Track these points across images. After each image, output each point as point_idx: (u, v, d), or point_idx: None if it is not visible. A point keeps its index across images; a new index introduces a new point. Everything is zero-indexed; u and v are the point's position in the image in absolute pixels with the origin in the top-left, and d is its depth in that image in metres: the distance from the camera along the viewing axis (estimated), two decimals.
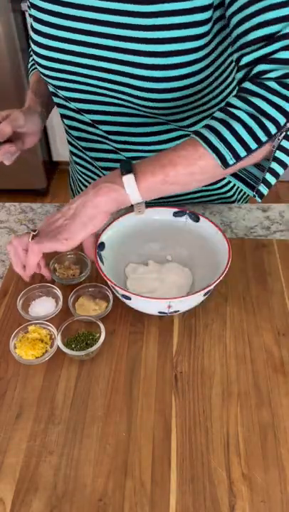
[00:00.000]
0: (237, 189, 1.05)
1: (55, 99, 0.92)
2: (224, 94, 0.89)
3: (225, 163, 0.68)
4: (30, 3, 0.82)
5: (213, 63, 0.78)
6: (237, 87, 0.77)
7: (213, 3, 0.71)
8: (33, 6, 0.82)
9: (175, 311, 0.74)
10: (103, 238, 0.79)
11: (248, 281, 0.83)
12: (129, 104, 0.82)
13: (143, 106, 0.81)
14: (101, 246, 0.78)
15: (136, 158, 0.90)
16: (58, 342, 0.72)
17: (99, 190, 0.69)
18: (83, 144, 0.95)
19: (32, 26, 0.83)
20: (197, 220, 0.82)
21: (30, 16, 0.83)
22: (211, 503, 0.58)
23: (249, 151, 0.67)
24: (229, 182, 1.01)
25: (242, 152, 0.67)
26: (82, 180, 1.06)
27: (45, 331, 0.75)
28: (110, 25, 0.75)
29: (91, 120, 0.89)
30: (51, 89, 0.90)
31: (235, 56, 0.72)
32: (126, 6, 0.72)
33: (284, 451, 0.62)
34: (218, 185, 1.00)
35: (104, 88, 0.82)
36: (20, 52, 2.20)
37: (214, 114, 0.70)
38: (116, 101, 0.83)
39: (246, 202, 1.11)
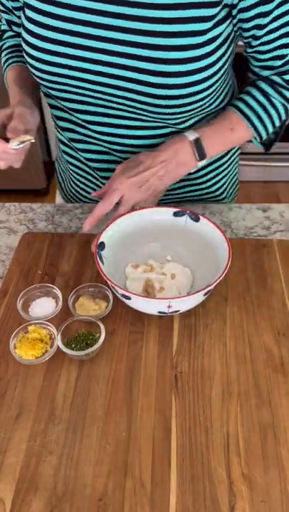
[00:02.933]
0: (226, 187, 1.06)
1: (48, 100, 0.91)
2: (220, 99, 0.91)
3: (260, 138, 0.90)
4: (26, 3, 0.79)
5: (213, 76, 0.79)
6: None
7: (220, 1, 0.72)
8: (30, 7, 0.79)
9: (175, 311, 0.74)
10: (103, 238, 0.79)
11: (248, 281, 0.83)
12: (130, 107, 0.82)
13: (147, 104, 0.80)
14: (101, 246, 0.78)
15: (128, 157, 0.89)
16: (58, 342, 0.72)
17: (182, 167, 0.84)
18: (77, 145, 0.94)
19: (27, 28, 0.80)
20: (197, 220, 0.82)
21: (26, 17, 0.80)
22: (211, 503, 0.58)
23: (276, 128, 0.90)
24: (218, 181, 1.02)
25: (270, 130, 0.89)
26: (76, 181, 1.04)
27: (45, 331, 0.75)
28: (115, 16, 0.73)
29: (85, 121, 0.88)
30: (43, 89, 0.89)
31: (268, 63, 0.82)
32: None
33: (284, 451, 0.62)
34: (208, 183, 1.01)
35: (102, 92, 0.81)
36: None
37: (255, 95, 0.86)
38: (113, 105, 0.82)
39: (233, 198, 1.12)
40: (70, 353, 0.71)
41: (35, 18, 0.78)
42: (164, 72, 0.75)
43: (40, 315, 0.78)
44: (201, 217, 0.82)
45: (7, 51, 0.98)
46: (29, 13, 0.79)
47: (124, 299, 0.75)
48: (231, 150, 1.02)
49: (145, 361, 0.72)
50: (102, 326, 0.73)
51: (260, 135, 0.88)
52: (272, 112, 0.86)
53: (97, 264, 0.74)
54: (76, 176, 1.03)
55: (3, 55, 1.00)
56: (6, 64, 0.99)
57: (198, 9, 0.72)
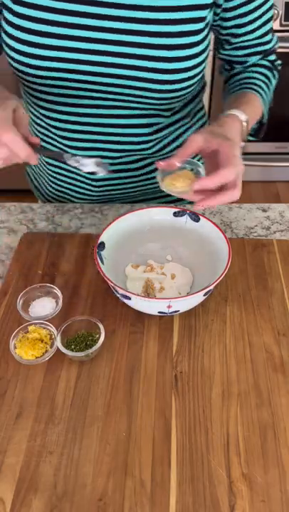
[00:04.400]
0: None
1: (41, 103, 0.89)
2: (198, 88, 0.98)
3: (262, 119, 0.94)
4: (8, 8, 0.77)
5: (205, 59, 0.85)
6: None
7: (213, 2, 0.79)
8: (19, 2, 0.77)
9: (175, 311, 0.74)
10: (103, 238, 0.79)
11: (248, 281, 0.83)
12: (128, 96, 0.83)
13: (149, 98, 0.82)
14: (101, 246, 0.78)
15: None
16: (58, 343, 0.72)
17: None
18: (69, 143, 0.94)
19: (17, 26, 0.78)
20: (197, 220, 0.82)
21: (15, 13, 0.78)
22: (211, 503, 0.58)
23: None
24: None
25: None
26: (58, 182, 1.03)
27: (45, 331, 0.75)
28: (117, 19, 0.76)
29: (73, 114, 0.88)
30: (31, 92, 0.87)
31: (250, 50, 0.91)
32: (134, 1, 0.75)
33: (284, 451, 0.62)
34: None
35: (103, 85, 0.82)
36: None
37: (262, 80, 0.92)
38: (109, 95, 0.83)
39: None
40: (69, 354, 0.71)
41: (26, 14, 0.77)
42: (166, 58, 0.78)
43: (40, 315, 0.78)
44: (201, 217, 0.82)
45: None
46: (18, 8, 0.77)
47: (124, 299, 0.75)
48: None
49: (145, 361, 0.72)
50: (101, 326, 0.73)
51: (263, 115, 0.92)
52: (269, 92, 0.93)
53: (97, 264, 0.74)
54: (57, 176, 1.02)
55: None
56: None
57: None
